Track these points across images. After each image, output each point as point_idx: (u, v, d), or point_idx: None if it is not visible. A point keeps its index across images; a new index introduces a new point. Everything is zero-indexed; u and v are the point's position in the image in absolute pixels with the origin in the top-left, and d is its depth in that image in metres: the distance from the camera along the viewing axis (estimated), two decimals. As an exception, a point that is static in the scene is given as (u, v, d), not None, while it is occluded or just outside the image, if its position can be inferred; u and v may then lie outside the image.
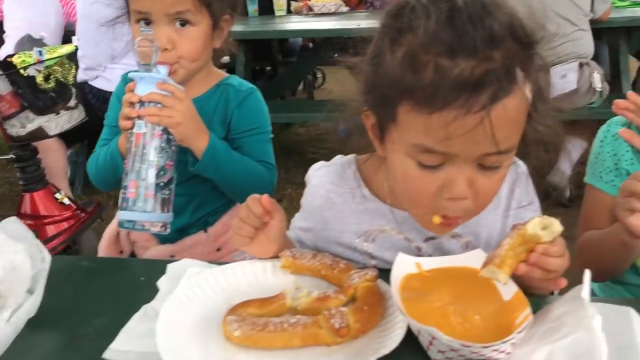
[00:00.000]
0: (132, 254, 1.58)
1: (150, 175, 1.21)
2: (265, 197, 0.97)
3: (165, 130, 1.22)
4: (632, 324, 0.81)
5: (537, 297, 0.90)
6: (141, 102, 1.21)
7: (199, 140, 1.29)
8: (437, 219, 0.89)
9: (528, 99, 0.83)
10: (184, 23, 1.31)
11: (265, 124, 1.45)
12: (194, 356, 0.82)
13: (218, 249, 1.49)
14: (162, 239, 1.48)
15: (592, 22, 3.22)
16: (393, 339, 0.81)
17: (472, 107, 0.77)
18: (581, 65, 3.13)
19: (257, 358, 0.82)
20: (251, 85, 1.47)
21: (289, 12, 4.74)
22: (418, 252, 1.05)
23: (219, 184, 1.39)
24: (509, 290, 0.87)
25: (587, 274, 0.82)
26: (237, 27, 4.74)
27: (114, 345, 0.85)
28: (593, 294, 1.36)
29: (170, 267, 1.04)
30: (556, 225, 0.81)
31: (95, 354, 0.84)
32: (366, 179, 1.07)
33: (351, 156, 1.10)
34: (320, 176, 1.09)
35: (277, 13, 4.65)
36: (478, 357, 0.77)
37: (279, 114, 3.85)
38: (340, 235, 1.07)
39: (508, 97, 0.79)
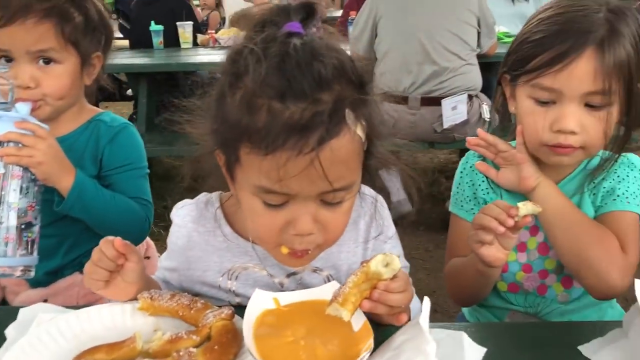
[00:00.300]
0: (4, 300, 1.50)
1: (11, 218, 1.16)
2: (117, 240, 0.96)
3: (27, 170, 1.18)
4: (463, 348, 0.86)
5: (389, 325, 0.93)
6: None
7: (64, 179, 1.25)
8: (284, 250, 0.92)
9: (361, 137, 0.87)
10: (47, 61, 1.28)
11: (139, 159, 1.43)
12: (31, 409, 0.78)
13: None
14: (33, 283, 1.42)
15: (480, 56, 3.44)
16: (241, 377, 0.81)
17: (302, 149, 0.80)
18: (470, 97, 3.32)
19: (100, 406, 0.80)
20: (124, 121, 1.45)
21: (195, 44, 4.74)
22: (281, 288, 1.06)
23: (89, 223, 1.35)
24: (358, 321, 0.89)
25: (426, 302, 0.86)
26: (141, 60, 4.63)
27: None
28: (463, 318, 1.43)
29: (22, 312, 0.99)
30: (396, 262, 0.85)
31: None
32: (229, 217, 1.07)
33: (215, 194, 1.10)
34: (183, 215, 1.09)
35: (182, 45, 4.64)
36: (320, 389, 0.79)
37: (188, 146, 3.81)
38: (204, 275, 1.07)
39: (337, 137, 0.82)
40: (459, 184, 1.33)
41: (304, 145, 0.80)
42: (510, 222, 0.99)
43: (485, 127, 3.50)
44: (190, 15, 4.87)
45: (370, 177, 0.97)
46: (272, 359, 0.80)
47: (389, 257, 0.86)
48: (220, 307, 0.95)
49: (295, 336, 0.88)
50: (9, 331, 0.95)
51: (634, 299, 0.86)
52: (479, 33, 3.37)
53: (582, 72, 1.08)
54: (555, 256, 1.22)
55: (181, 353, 0.83)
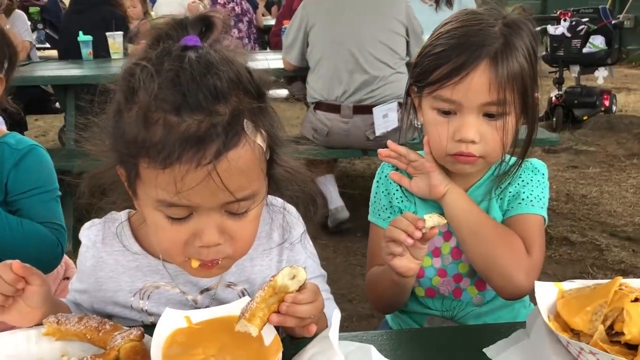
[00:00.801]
0: None
1: None
2: (16, 263, 0.92)
3: None
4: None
5: (301, 338, 0.94)
6: None
7: None
8: (195, 263, 0.91)
9: (261, 146, 0.88)
10: None
11: (49, 182, 1.39)
12: None
13: None
14: None
15: (410, 64, 3.52)
16: (147, 400, 0.80)
17: (200, 161, 0.80)
18: (401, 104, 3.38)
19: None
20: (32, 143, 1.41)
21: (125, 54, 4.63)
22: (195, 305, 1.05)
23: None
24: (269, 335, 0.89)
25: (336, 314, 0.88)
26: (68, 71, 4.46)
27: None
28: (386, 324, 1.45)
29: None
30: (301, 274, 0.86)
31: None
32: (137, 235, 1.06)
33: (124, 212, 1.08)
34: (90, 235, 1.07)
35: (113, 56, 4.52)
36: (228, 407, 0.78)
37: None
38: (115, 295, 1.05)
39: (235, 148, 0.83)
40: (376, 193, 1.36)
41: (202, 158, 0.80)
42: (418, 234, 1.02)
43: (417, 133, 3.58)
44: (122, 25, 4.77)
45: (277, 187, 0.98)
46: (181, 378, 0.79)
47: (295, 270, 0.87)
48: (130, 327, 0.93)
49: (206, 354, 0.87)
50: None
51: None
52: (407, 42, 3.45)
53: (477, 84, 1.13)
54: (467, 260, 1.26)
55: (85, 378, 0.81)
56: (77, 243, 1.07)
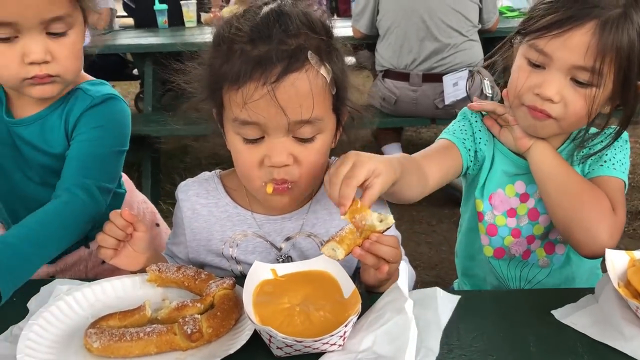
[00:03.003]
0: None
1: None
2: (125, 211, 1.07)
3: None
4: (437, 301, 0.95)
5: (376, 294, 1.01)
6: None
7: None
8: (269, 188, 1.03)
9: (325, 77, 1.00)
10: (58, 33, 1.15)
11: (115, 135, 1.29)
12: (53, 369, 0.87)
13: (104, 262, 1.41)
14: None
15: (483, 32, 3.46)
16: (240, 340, 0.89)
17: (265, 80, 0.94)
18: (472, 73, 3.35)
19: (115, 367, 0.89)
20: (111, 92, 1.31)
21: (199, 23, 4.76)
22: (278, 252, 1.15)
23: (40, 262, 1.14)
24: (348, 288, 0.97)
25: (403, 266, 0.94)
26: (145, 40, 4.63)
27: (-25, 365, 0.89)
28: (453, 291, 1.50)
29: (43, 288, 1.08)
30: (390, 219, 0.94)
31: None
32: (229, 190, 1.18)
33: (215, 171, 1.21)
34: (186, 191, 1.19)
35: (187, 24, 4.66)
36: (312, 350, 0.87)
37: (193, 126, 3.87)
38: (208, 244, 1.17)
39: (297, 72, 0.96)
40: (458, 121, 1.35)
41: (267, 77, 0.94)
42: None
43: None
44: (195, -8, 4.89)
45: (344, 127, 1.10)
46: (269, 323, 0.88)
47: (384, 215, 0.94)
48: (222, 277, 1.03)
49: (291, 303, 0.96)
50: (32, 303, 1.04)
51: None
52: (480, 8, 3.39)
53: (575, 43, 1.08)
54: (544, 222, 1.27)
55: (187, 319, 0.91)
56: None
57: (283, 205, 1.10)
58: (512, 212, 1.30)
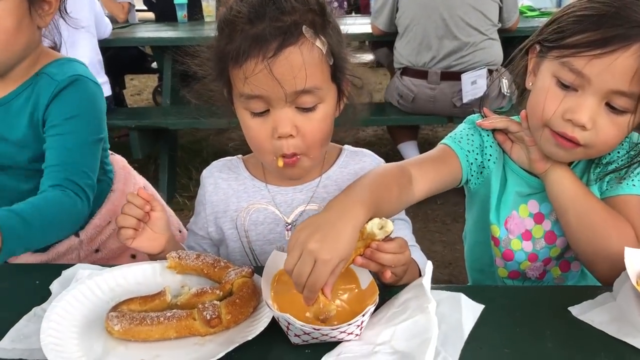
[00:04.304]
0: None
1: None
2: (140, 189, 1.13)
3: None
4: (461, 308, 0.94)
5: (394, 286, 1.02)
6: None
7: None
8: (280, 162, 1.08)
9: (320, 48, 1.04)
10: None
11: (89, 121, 1.31)
12: (75, 350, 0.89)
13: (97, 250, 1.49)
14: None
15: (503, 31, 3.44)
16: (259, 326, 0.91)
17: (266, 54, 1.00)
18: (490, 71, 3.34)
19: (135, 349, 0.90)
20: (75, 72, 1.30)
21: (218, 18, 4.78)
22: (287, 224, 1.20)
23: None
24: (366, 279, 0.98)
25: (429, 265, 0.95)
26: (165, 33, 4.67)
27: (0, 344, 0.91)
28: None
29: (65, 272, 1.10)
30: (389, 226, 0.94)
31: (-19, 353, 0.89)
32: (248, 166, 1.26)
33: (238, 156, 1.29)
34: (210, 168, 1.28)
35: (206, 19, 4.69)
36: (329, 338, 0.88)
37: (212, 119, 3.91)
38: (224, 215, 1.23)
39: (293, 46, 1.01)
40: (464, 129, 1.28)
41: (265, 52, 1.00)
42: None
43: (505, 102, 3.52)
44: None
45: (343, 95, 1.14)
46: (287, 311, 0.89)
47: (384, 222, 0.95)
48: (241, 266, 1.05)
49: (309, 293, 0.96)
50: (54, 286, 1.06)
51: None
52: (500, 7, 3.37)
53: (620, 66, 0.97)
54: (561, 244, 1.22)
55: (206, 305, 0.93)
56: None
57: (296, 174, 1.17)
58: (527, 235, 1.24)
